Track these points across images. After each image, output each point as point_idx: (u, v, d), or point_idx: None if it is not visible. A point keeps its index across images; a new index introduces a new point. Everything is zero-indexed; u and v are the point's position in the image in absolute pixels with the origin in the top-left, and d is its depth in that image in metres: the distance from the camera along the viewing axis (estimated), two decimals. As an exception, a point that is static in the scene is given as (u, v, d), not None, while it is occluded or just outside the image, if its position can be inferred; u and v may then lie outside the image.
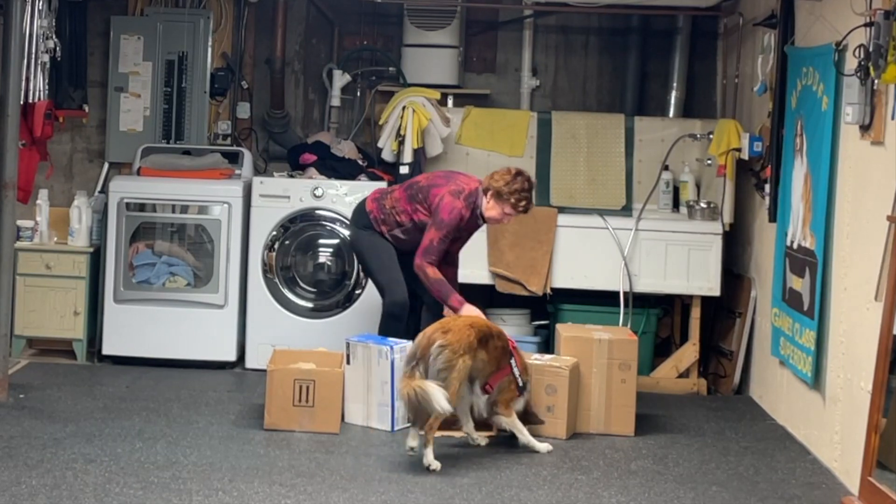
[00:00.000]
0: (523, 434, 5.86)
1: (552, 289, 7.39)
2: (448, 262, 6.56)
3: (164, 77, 7.99)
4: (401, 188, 6.61)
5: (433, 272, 6.28)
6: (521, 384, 5.89)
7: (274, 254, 7.45)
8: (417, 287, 6.46)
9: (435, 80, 8.00)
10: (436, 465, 5.44)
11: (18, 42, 6.50)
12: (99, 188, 8.03)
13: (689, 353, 7.43)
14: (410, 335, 6.51)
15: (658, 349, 7.67)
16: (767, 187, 6.77)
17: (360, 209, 6.67)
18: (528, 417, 5.97)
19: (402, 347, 6.14)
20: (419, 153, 7.51)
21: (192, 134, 7.99)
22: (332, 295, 7.49)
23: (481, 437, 5.94)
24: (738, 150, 7.16)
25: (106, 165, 8.11)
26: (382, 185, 7.42)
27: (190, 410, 6.31)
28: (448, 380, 5.52)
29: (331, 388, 6.08)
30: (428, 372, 5.53)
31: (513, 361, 5.87)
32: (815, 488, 5.45)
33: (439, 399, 5.36)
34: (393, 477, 5.34)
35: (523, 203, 6.24)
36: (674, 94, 8.29)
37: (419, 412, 5.45)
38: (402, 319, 6.48)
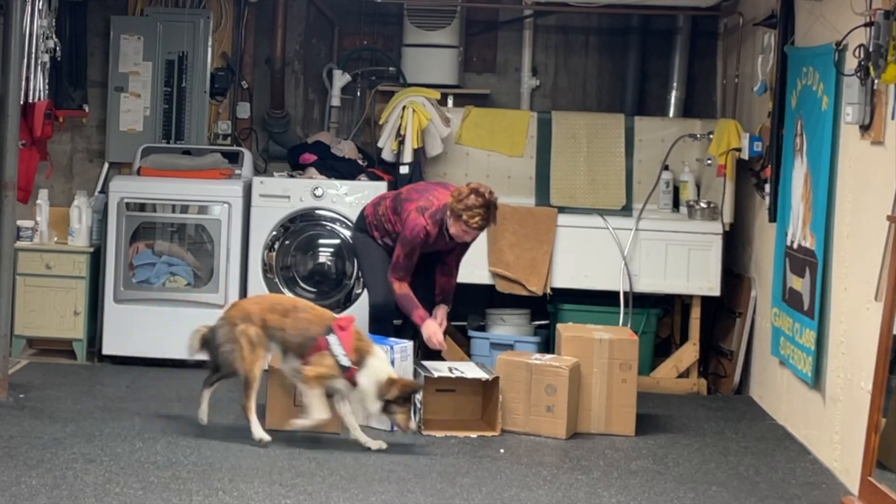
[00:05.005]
0: (313, 412, 5.73)
1: (552, 289, 7.39)
2: (444, 272, 6.56)
3: (164, 77, 7.99)
4: (392, 197, 6.58)
5: (399, 287, 6.37)
6: (343, 364, 5.71)
7: (274, 254, 7.45)
8: (417, 291, 6.46)
9: (435, 80, 7.99)
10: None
11: (18, 42, 6.50)
12: (99, 188, 8.03)
13: (689, 353, 7.43)
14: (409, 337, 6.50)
15: (658, 349, 7.67)
16: (767, 187, 6.77)
17: (361, 212, 6.72)
18: (388, 408, 5.77)
19: (403, 347, 6.15)
20: (419, 153, 7.51)
21: (192, 134, 7.99)
22: (332, 295, 7.49)
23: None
24: (738, 150, 7.16)
25: (106, 165, 8.11)
26: (383, 185, 7.44)
27: (190, 410, 6.29)
28: (234, 350, 5.80)
29: (331, 388, 6.08)
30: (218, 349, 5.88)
31: (331, 338, 5.72)
32: (815, 488, 5.45)
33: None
34: (393, 477, 5.34)
35: (476, 220, 6.13)
36: (674, 94, 8.29)
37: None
38: (382, 321, 6.51)
